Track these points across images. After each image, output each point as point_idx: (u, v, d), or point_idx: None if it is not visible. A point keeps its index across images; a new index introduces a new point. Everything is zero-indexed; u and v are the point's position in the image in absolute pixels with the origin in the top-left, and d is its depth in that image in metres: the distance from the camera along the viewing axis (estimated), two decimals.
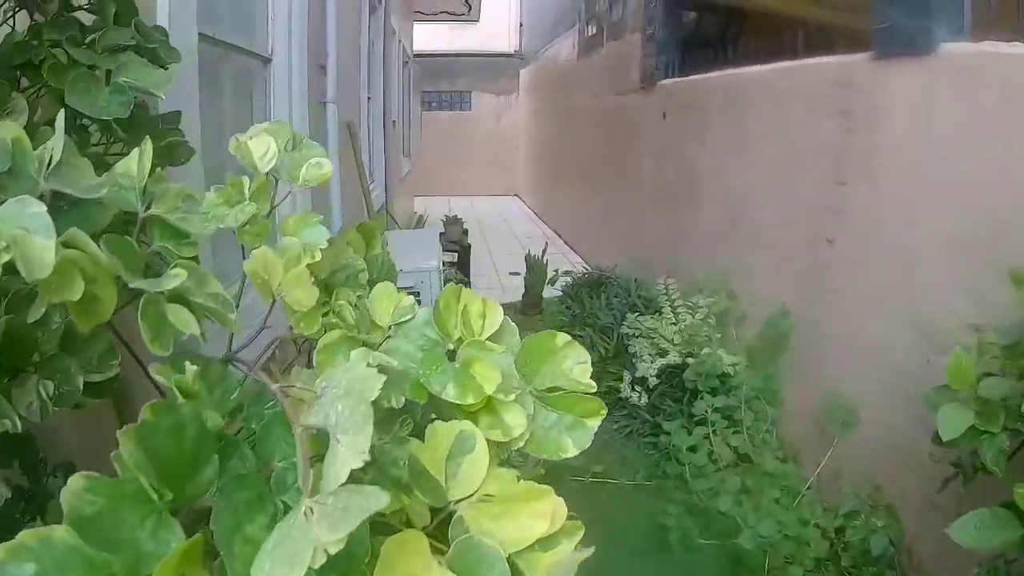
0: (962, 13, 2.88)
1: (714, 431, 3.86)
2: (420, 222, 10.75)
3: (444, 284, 6.29)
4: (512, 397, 0.73)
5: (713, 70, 5.18)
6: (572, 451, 0.76)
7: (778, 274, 4.10)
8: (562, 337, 0.80)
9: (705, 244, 5.23)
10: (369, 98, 6.78)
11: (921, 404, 2.17)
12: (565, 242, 10.81)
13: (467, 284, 7.34)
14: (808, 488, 3.56)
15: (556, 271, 6.89)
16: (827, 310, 3.67)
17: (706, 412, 3.84)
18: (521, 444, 0.74)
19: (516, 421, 0.73)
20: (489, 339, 0.82)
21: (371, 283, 1.01)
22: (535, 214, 14.08)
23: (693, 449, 3.79)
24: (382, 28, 7.23)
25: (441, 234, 8.10)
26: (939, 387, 2.06)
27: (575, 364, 0.79)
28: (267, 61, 3.23)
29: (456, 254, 7.76)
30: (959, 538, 1.73)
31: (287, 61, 3.31)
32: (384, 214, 7.13)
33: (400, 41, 9.56)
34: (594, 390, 0.78)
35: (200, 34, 2.24)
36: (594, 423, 0.77)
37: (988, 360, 2.03)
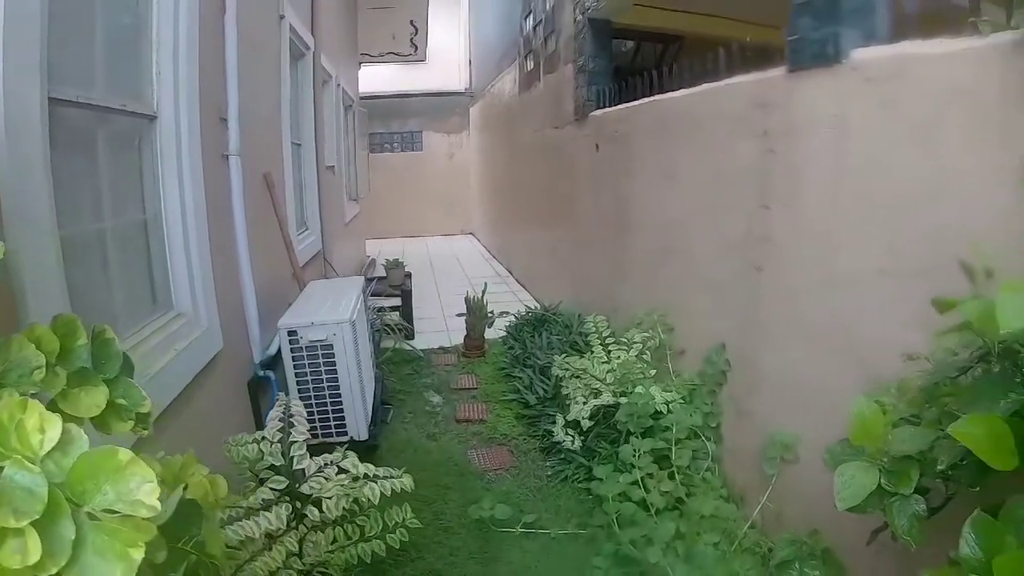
0: (875, 15, 2.73)
1: (649, 474, 3.63)
2: (372, 266, 10.55)
3: (379, 331, 6.13)
4: (25, 522, 0.54)
5: (640, 98, 5.04)
6: None
7: (713, 306, 3.92)
8: (124, 454, 0.68)
9: (642, 277, 5.05)
10: (299, 145, 6.61)
11: None
12: (516, 280, 10.66)
13: (409, 329, 7.13)
14: (751, 528, 3.36)
15: (492, 312, 6.72)
16: (761, 343, 3.48)
17: (634, 455, 3.61)
18: (55, 570, 0.63)
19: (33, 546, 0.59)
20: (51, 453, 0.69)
21: (75, 376, 0.99)
22: (489, 253, 13.93)
23: (622, 496, 3.55)
24: (312, 73, 7.05)
25: (383, 279, 7.91)
26: (842, 441, 1.83)
27: (141, 484, 0.63)
28: (152, 119, 3.04)
29: (399, 298, 7.57)
30: None
31: (174, 117, 3.11)
32: (322, 261, 6.94)
33: (339, 85, 9.39)
34: (156, 512, 0.59)
35: (57, 99, 2.13)
36: (138, 553, 0.60)
37: (908, 403, 1.82)
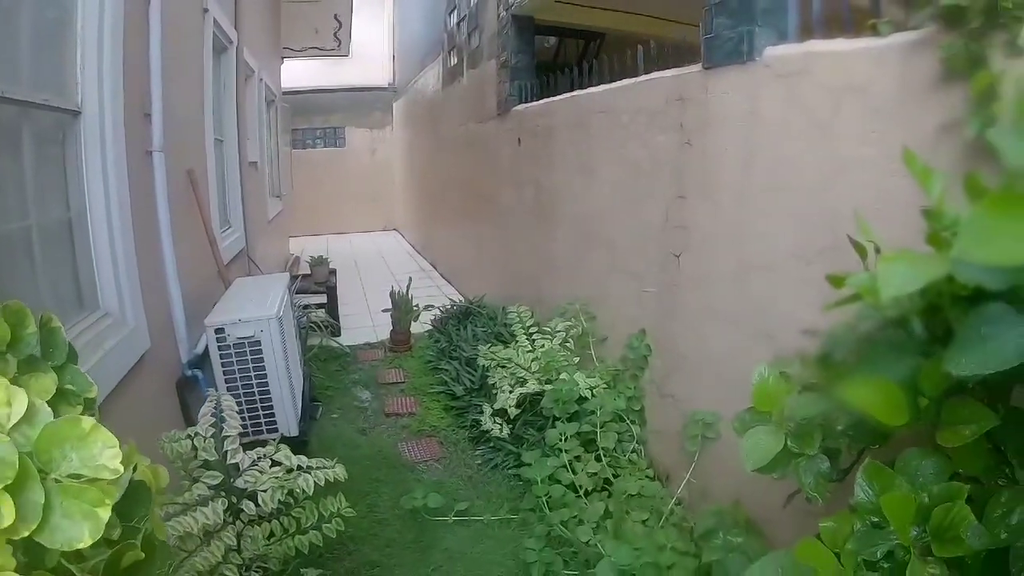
0: (786, 15, 2.88)
1: (576, 457, 3.75)
2: (296, 264, 10.46)
3: (305, 328, 6.12)
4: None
5: (562, 93, 5.14)
6: (88, 540, 0.65)
7: (634, 293, 4.05)
8: (87, 422, 0.76)
9: (565, 268, 5.17)
10: (221, 141, 6.52)
11: None
12: (441, 275, 10.69)
13: (335, 326, 7.13)
14: (678, 504, 3.50)
15: (417, 305, 6.76)
16: (680, 327, 3.62)
17: (560, 439, 3.73)
18: (27, 533, 0.68)
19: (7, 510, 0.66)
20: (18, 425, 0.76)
21: (24, 364, 1.01)
22: (414, 249, 13.90)
23: (551, 479, 3.66)
24: (235, 68, 6.97)
25: (307, 276, 7.87)
26: (748, 409, 1.95)
27: (104, 449, 0.70)
28: (76, 114, 3.01)
29: (324, 295, 7.56)
30: None
31: (99, 112, 3.07)
32: (246, 259, 6.88)
33: (262, 80, 9.27)
34: (119, 474, 0.67)
35: None
36: (104, 512, 0.70)
37: (808, 373, 1.95)
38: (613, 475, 3.72)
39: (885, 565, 1.50)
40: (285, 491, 2.59)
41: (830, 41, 2.58)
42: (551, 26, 6.75)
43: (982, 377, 1.30)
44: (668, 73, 3.66)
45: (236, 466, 2.64)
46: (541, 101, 5.61)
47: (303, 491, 2.61)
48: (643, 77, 3.93)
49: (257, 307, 3.98)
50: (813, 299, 2.61)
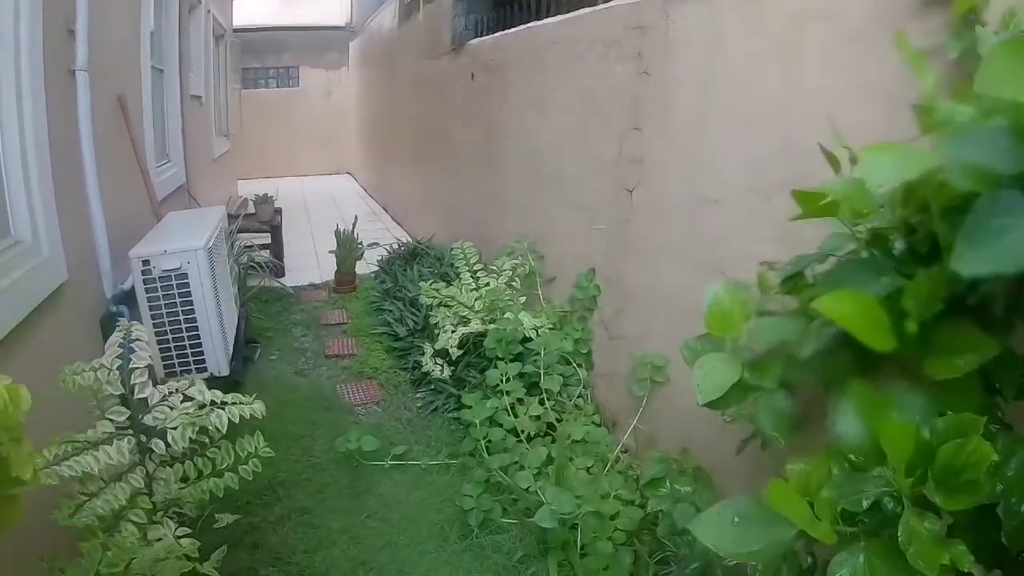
0: None
1: (519, 399, 3.60)
2: (244, 206, 10.11)
3: (245, 268, 5.88)
4: None
5: (516, 25, 4.91)
6: None
7: (584, 230, 3.88)
8: None
9: (514, 207, 4.98)
10: (161, 71, 6.20)
11: None
12: (392, 217, 10.46)
13: (279, 267, 6.89)
14: (624, 452, 3.37)
15: (361, 243, 6.54)
16: (631, 265, 3.46)
17: (501, 380, 3.56)
18: None
19: None
20: None
21: None
22: (365, 192, 13.61)
23: (490, 422, 3.50)
24: None
25: (251, 215, 7.59)
26: (700, 336, 1.77)
27: None
28: None
29: (268, 234, 7.30)
30: (706, 540, 1.35)
31: (13, 25, 2.80)
32: (186, 196, 6.58)
33: (209, 12, 8.88)
34: None
35: None
36: None
37: (768, 298, 1.78)
38: (557, 420, 3.58)
39: (866, 520, 1.25)
40: (196, 428, 2.39)
41: None
42: None
43: (984, 294, 1.12)
44: (627, 1, 3.45)
45: (145, 401, 2.43)
46: (496, 34, 5.37)
47: (216, 428, 2.40)
48: (601, 6, 3.73)
49: (186, 239, 3.74)
50: (770, 235, 2.47)
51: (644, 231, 3.33)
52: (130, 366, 2.43)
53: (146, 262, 3.60)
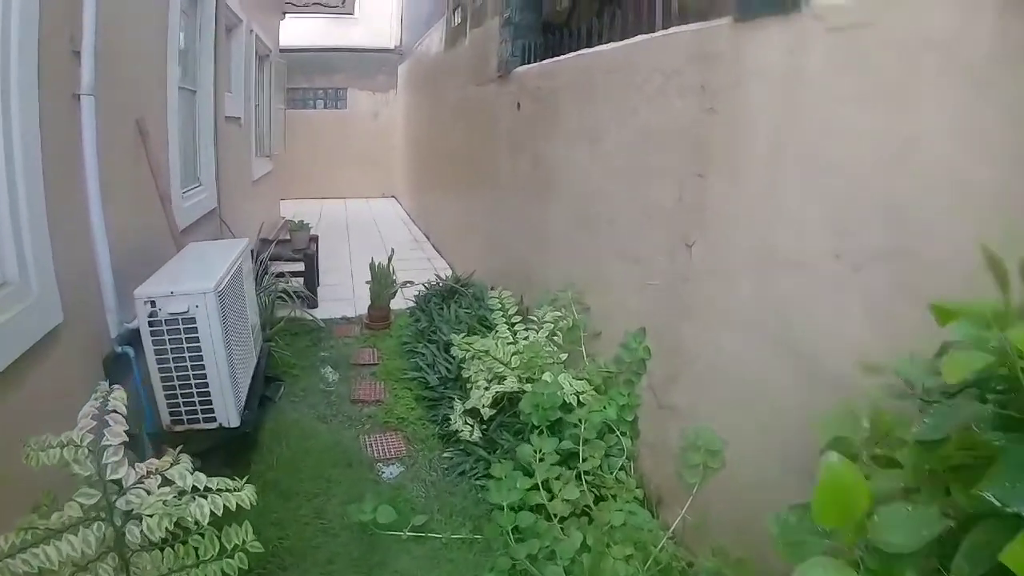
0: None
1: (557, 476, 3.19)
2: (285, 228, 9.85)
3: (272, 297, 5.58)
4: None
5: (567, 52, 4.56)
6: None
7: (637, 285, 3.49)
8: None
9: (560, 249, 4.60)
10: (193, 91, 5.97)
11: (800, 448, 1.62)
12: (433, 246, 10.13)
13: (311, 298, 6.59)
14: (671, 540, 2.94)
15: (395, 281, 6.20)
16: (688, 328, 3.07)
17: (535, 457, 3.15)
18: None
19: None
20: None
21: None
22: (409, 217, 13.33)
23: (521, 503, 3.08)
24: (214, 15, 6.37)
25: (286, 241, 7.32)
26: (797, 507, 1.32)
27: None
28: None
29: (302, 263, 7.01)
30: None
31: (3, 47, 2.52)
32: (218, 221, 6.31)
33: (252, 32, 8.67)
34: None
35: None
36: None
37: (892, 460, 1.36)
38: (596, 497, 3.16)
39: None
40: (173, 519, 2.03)
41: None
42: None
43: None
44: (691, 27, 3.07)
45: (119, 483, 2.09)
46: (545, 62, 5.03)
47: (195, 520, 2.05)
48: (660, 32, 3.36)
49: (196, 279, 3.43)
50: (860, 313, 2.06)
51: (705, 292, 2.92)
52: (103, 443, 2.09)
53: (152, 303, 3.30)
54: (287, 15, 12.73)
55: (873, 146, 2.04)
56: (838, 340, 2.16)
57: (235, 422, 3.57)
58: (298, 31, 14.20)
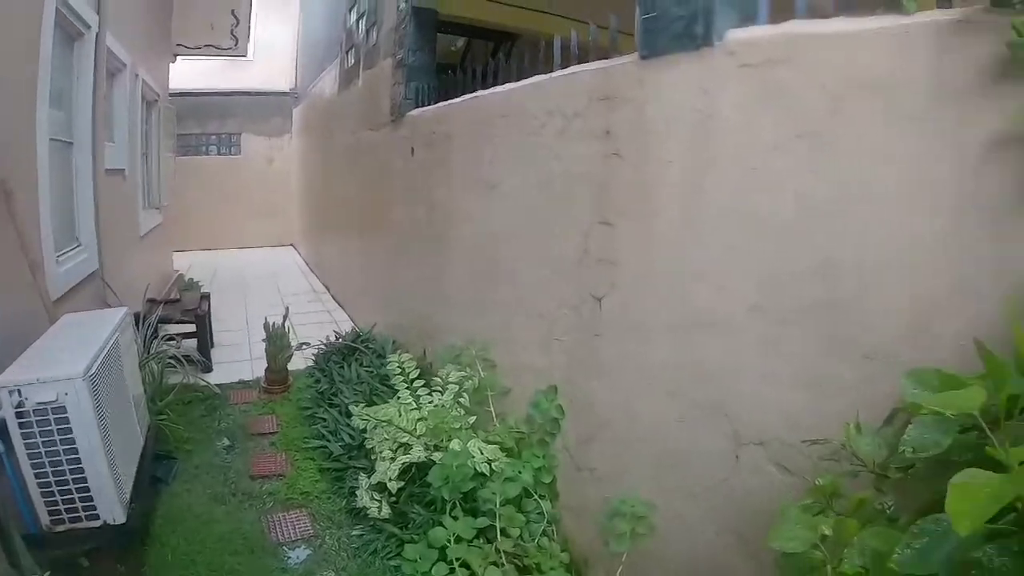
0: None
1: (476, 552, 2.97)
2: (178, 282, 9.37)
3: (162, 364, 5.21)
4: None
5: (462, 94, 4.40)
6: None
7: (543, 341, 3.32)
8: None
9: (462, 302, 4.42)
10: (69, 143, 5.58)
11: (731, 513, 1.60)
12: (333, 298, 9.73)
13: (204, 362, 6.21)
14: None
15: (289, 344, 5.88)
16: (602, 387, 2.91)
17: (448, 540, 2.92)
18: None
19: None
20: None
21: None
22: (308, 267, 12.89)
23: None
24: (93, 60, 5.99)
25: (175, 302, 6.92)
26: None
27: None
28: None
29: (193, 324, 6.60)
30: None
31: None
32: (100, 284, 5.89)
33: (138, 76, 8.26)
34: None
35: None
36: None
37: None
38: (519, 567, 2.96)
39: None
40: None
41: (822, 21, 1.89)
42: (458, 24, 6.01)
43: None
44: (592, 66, 2.95)
45: None
46: (439, 104, 4.86)
47: None
48: (559, 72, 3.22)
49: (66, 361, 3.11)
50: (789, 374, 1.93)
51: (617, 349, 2.77)
52: None
53: (18, 392, 2.96)
54: (178, 57, 12.26)
55: (798, 196, 1.92)
56: (766, 400, 2.02)
57: (120, 518, 3.24)
58: (189, 74, 13.66)
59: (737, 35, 2.16)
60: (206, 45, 13.06)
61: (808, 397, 1.89)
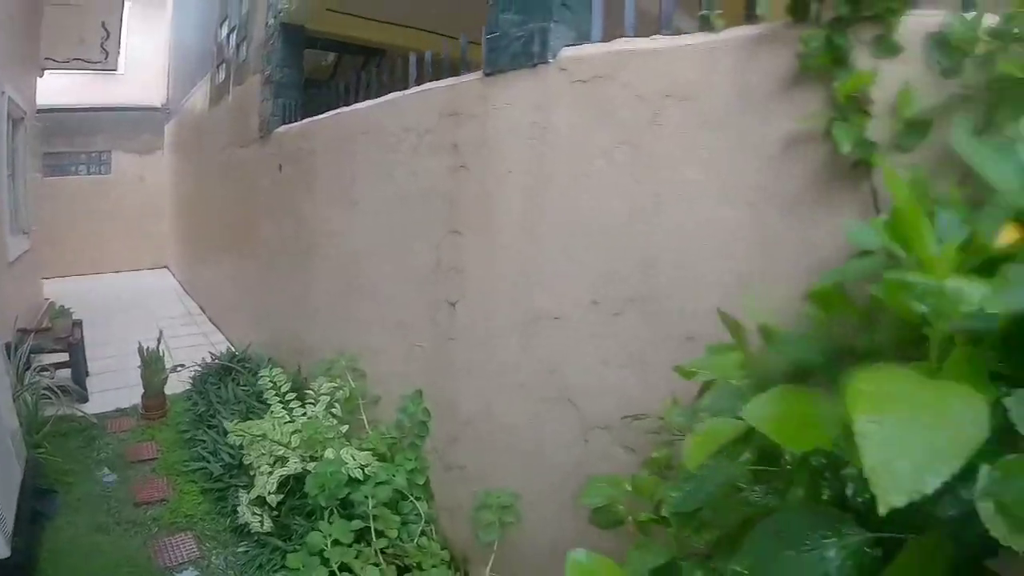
0: (590, 11, 2.43)
1: (356, 556, 3.07)
2: (63, 312, 9.01)
3: (38, 395, 5.11)
4: None
5: (327, 111, 4.49)
6: None
7: (407, 347, 3.46)
8: None
9: (330, 316, 4.53)
10: None
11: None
12: (209, 319, 9.54)
13: (80, 392, 6.08)
14: None
15: (164, 368, 5.83)
16: (461, 389, 3.08)
17: (325, 543, 3.03)
18: None
19: None
20: None
21: None
22: (183, 289, 12.53)
23: None
24: None
25: (46, 331, 6.75)
26: None
27: None
28: None
29: (66, 353, 6.44)
30: None
31: None
32: None
33: (4, 93, 7.92)
34: None
35: None
36: None
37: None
38: (400, 568, 3.09)
39: None
40: None
41: (644, 39, 2.11)
42: (324, 38, 6.04)
43: None
44: (441, 84, 3.12)
45: None
46: (304, 121, 4.93)
47: None
48: (412, 90, 3.37)
49: None
50: (621, 358, 2.13)
51: (471, 351, 2.94)
52: None
53: None
54: (46, 71, 11.71)
55: (623, 198, 2.12)
56: (605, 386, 2.21)
57: (4, 552, 3.22)
58: (56, 88, 12.89)
59: (569, 53, 2.35)
60: (75, 59, 12.52)
61: (639, 379, 2.09)
